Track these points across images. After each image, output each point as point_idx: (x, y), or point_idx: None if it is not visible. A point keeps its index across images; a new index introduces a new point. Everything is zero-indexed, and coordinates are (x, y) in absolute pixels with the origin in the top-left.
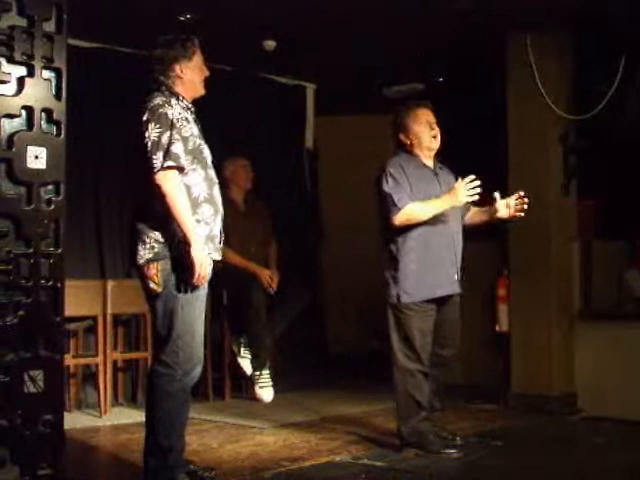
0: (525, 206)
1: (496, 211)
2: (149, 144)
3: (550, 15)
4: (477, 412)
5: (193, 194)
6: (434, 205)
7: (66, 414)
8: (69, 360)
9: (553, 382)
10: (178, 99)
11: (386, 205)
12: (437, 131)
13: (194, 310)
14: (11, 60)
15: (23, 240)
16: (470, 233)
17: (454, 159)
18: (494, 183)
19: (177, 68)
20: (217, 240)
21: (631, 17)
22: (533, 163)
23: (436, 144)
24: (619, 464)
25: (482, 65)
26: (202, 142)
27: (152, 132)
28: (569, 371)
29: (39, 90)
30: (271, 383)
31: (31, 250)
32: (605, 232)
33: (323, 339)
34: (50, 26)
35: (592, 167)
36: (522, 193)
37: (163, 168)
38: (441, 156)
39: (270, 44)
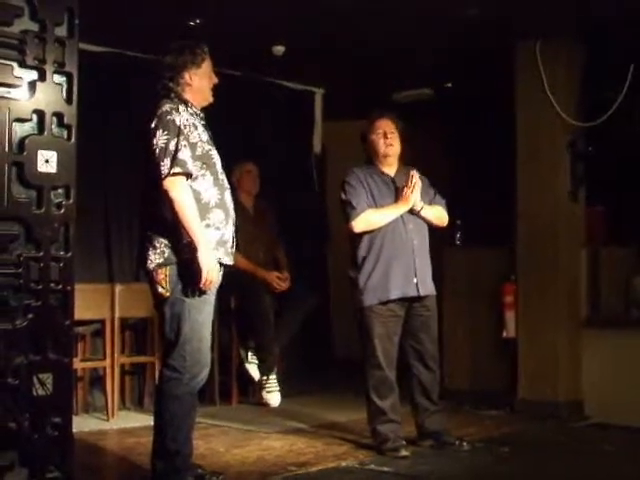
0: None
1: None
2: (157, 151)
3: (559, 23)
4: (483, 418)
5: (203, 199)
6: (389, 211)
7: (74, 417)
8: (77, 363)
9: (560, 388)
10: (187, 106)
11: (346, 212)
12: (391, 139)
13: (202, 315)
14: (23, 64)
15: (33, 243)
16: (477, 239)
17: (462, 164)
18: (502, 188)
19: (186, 75)
20: (229, 245)
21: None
22: (541, 170)
23: (391, 151)
24: (627, 471)
25: (491, 72)
26: (211, 148)
27: (160, 139)
28: (576, 377)
29: (50, 94)
30: (278, 388)
31: (41, 254)
32: (613, 238)
33: (330, 343)
34: (62, 31)
35: (600, 174)
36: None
37: (171, 174)
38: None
39: (279, 49)
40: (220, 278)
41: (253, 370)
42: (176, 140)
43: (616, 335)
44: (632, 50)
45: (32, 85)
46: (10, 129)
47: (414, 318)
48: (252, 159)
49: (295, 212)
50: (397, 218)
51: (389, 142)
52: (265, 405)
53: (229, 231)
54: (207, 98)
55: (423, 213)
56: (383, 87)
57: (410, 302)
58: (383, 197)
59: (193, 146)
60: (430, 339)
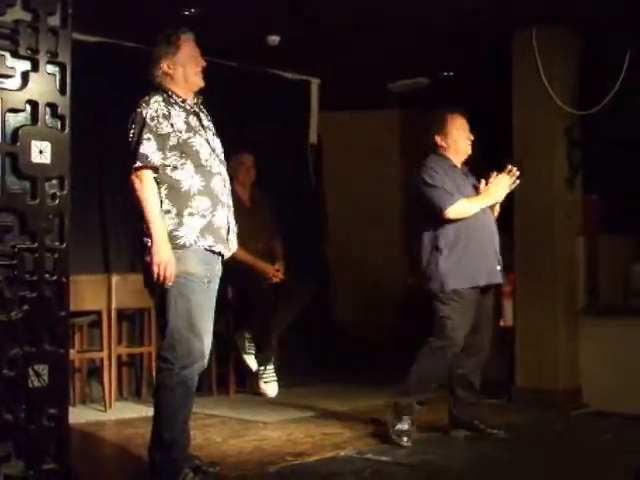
0: (517, 173)
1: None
2: (128, 145)
3: (555, 10)
4: (481, 407)
5: (183, 188)
6: (478, 202)
7: (71, 409)
8: (74, 355)
9: (558, 377)
10: (169, 95)
11: (437, 198)
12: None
13: (188, 302)
14: (16, 54)
15: (28, 235)
16: None
17: None
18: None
19: (164, 65)
20: (222, 231)
21: (637, 10)
22: (538, 158)
23: (469, 150)
24: (625, 459)
25: (487, 60)
26: (192, 135)
27: (129, 133)
28: (574, 366)
29: (44, 85)
30: (276, 378)
31: (36, 245)
32: (611, 227)
33: (328, 334)
34: (55, 20)
35: (597, 162)
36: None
37: (133, 169)
38: None
39: (274, 39)
40: (219, 266)
41: (251, 360)
42: (139, 134)
43: (614, 323)
44: (628, 37)
45: (25, 75)
46: (3, 120)
47: (480, 307)
48: (248, 150)
49: (291, 202)
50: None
51: (471, 140)
52: (262, 395)
53: (220, 218)
54: (195, 83)
55: (496, 207)
56: (379, 76)
57: (482, 290)
58: (465, 188)
59: (164, 137)
60: (487, 329)
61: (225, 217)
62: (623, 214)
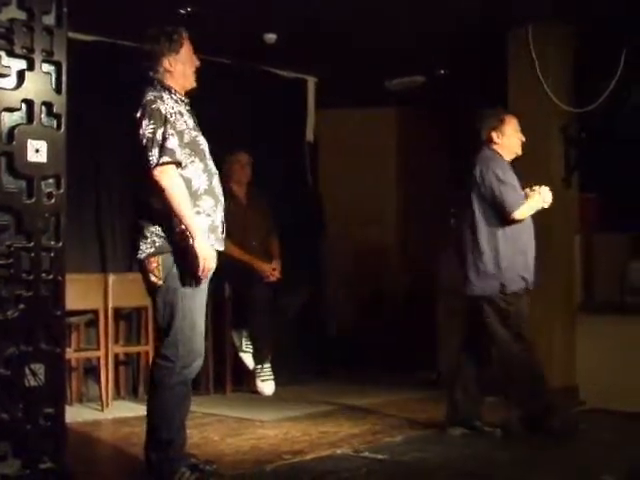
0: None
1: None
2: (144, 140)
3: (551, 8)
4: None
5: (193, 187)
6: (533, 205)
7: (68, 408)
8: (70, 354)
9: (555, 374)
10: (171, 93)
11: (507, 196)
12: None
13: (194, 303)
14: (11, 53)
15: (24, 234)
16: None
17: (454, 150)
18: None
19: (166, 62)
20: (219, 231)
21: (631, 7)
22: (534, 156)
23: (520, 151)
24: (622, 456)
25: (483, 58)
26: (198, 134)
27: (146, 128)
28: (571, 363)
29: (39, 83)
30: (272, 376)
31: (32, 244)
32: (607, 224)
33: (324, 332)
34: (50, 19)
35: (594, 159)
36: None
37: (160, 164)
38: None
39: (270, 37)
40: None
41: (247, 359)
42: (163, 129)
43: (611, 321)
44: (624, 35)
45: (21, 74)
46: None
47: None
48: (244, 148)
49: (288, 201)
50: None
51: (522, 141)
52: (259, 394)
53: (219, 217)
54: (190, 82)
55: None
56: (376, 75)
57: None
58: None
59: (180, 134)
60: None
61: (221, 216)
62: (619, 212)
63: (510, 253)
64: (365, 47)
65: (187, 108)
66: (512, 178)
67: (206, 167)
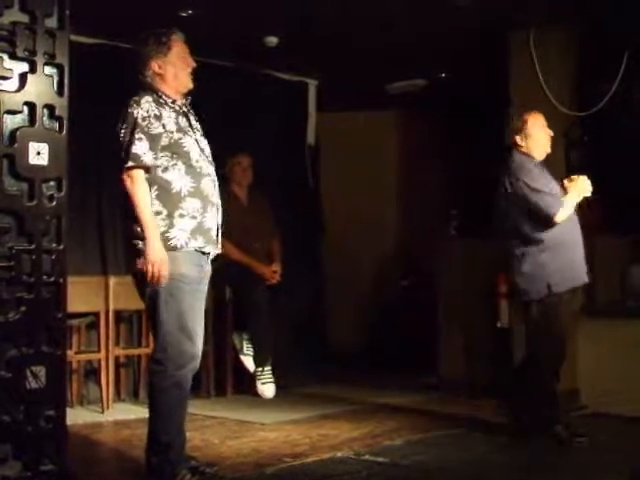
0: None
1: None
2: (117, 145)
3: (552, 11)
4: (479, 408)
5: (174, 189)
6: (571, 201)
7: (68, 410)
8: (71, 356)
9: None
10: (159, 96)
11: (543, 203)
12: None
13: (180, 304)
14: (13, 56)
15: (25, 236)
16: (473, 229)
17: (455, 154)
18: (498, 178)
19: (154, 65)
20: (212, 233)
21: (633, 11)
22: None
23: (549, 147)
24: (623, 460)
25: (484, 62)
26: (183, 136)
27: (120, 132)
28: (572, 367)
29: (41, 86)
30: (273, 379)
31: (33, 246)
32: (609, 228)
33: (325, 335)
34: (52, 22)
35: (595, 163)
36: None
37: (126, 168)
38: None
39: (272, 40)
40: (209, 267)
41: (248, 361)
42: (130, 133)
43: (612, 324)
44: (626, 38)
45: (23, 77)
46: (1, 121)
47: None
48: (245, 151)
49: (289, 204)
50: None
51: (551, 137)
52: (260, 396)
53: (210, 219)
54: (185, 84)
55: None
56: (377, 78)
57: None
58: (553, 184)
59: (155, 137)
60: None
61: (215, 218)
62: (621, 215)
63: (556, 256)
64: (366, 50)
65: (182, 110)
66: (543, 182)
67: (192, 169)
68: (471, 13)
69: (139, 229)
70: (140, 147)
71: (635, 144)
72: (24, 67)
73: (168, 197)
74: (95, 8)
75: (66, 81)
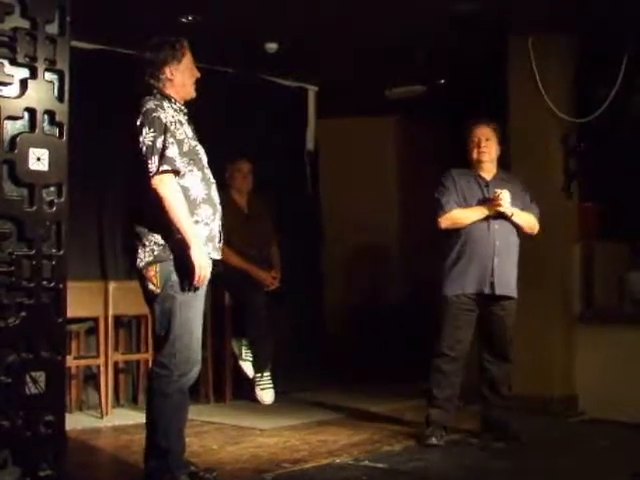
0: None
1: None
2: (144, 149)
3: (551, 17)
4: (477, 414)
5: (192, 196)
6: (473, 211)
7: (67, 415)
8: (70, 361)
9: (554, 384)
10: (170, 102)
11: (435, 209)
12: (485, 146)
13: (192, 311)
14: (14, 62)
15: (25, 242)
16: None
17: (454, 159)
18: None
19: (167, 71)
20: (217, 240)
21: (632, 18)
22: (534, 165)
23: (484, 157)
24: (622, 467)
25: (483, 68)
26: (197, 143)
27: (146, 137)
28: (570, 373)
29: (42, 92)
30: (272, 385)
31: (33, 252)
32: (607, 234)
33: (325, 340)
34: (53, 28)
35: (594, 169)
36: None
37: (159, 172)
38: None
39: (272, 46)
40: (209, 274)
41: (247, 367)
42: (163, 137)
43: (610, 330)
44: (624, 45)
45: (23, 83)
46: (1, 127)
47: (490, 316)
48: (245, 157)
49: (289, 209)
50: (484, 219)
51: (482, 150)
52: (259, 402)
53: (217, 226)
54: (190, 92)
55: (514, 218)
56: (377, 84)
57: (487, 300)
58: (474, 199)
59: (180, 143)
60: (502, 336)
61: (219, 225)
62: (619, 221)
63: (450, 259)
64: (365, 56)
65: (186, 118)
66: (449, 191)
67: (204, 176)
68: (470, 19)
69: (159, 235)
70: (172, 151)
71: (633, 150)
72: (25, 73)
73: (186, 203)
74: (96, 14)
75: (67, 87)
